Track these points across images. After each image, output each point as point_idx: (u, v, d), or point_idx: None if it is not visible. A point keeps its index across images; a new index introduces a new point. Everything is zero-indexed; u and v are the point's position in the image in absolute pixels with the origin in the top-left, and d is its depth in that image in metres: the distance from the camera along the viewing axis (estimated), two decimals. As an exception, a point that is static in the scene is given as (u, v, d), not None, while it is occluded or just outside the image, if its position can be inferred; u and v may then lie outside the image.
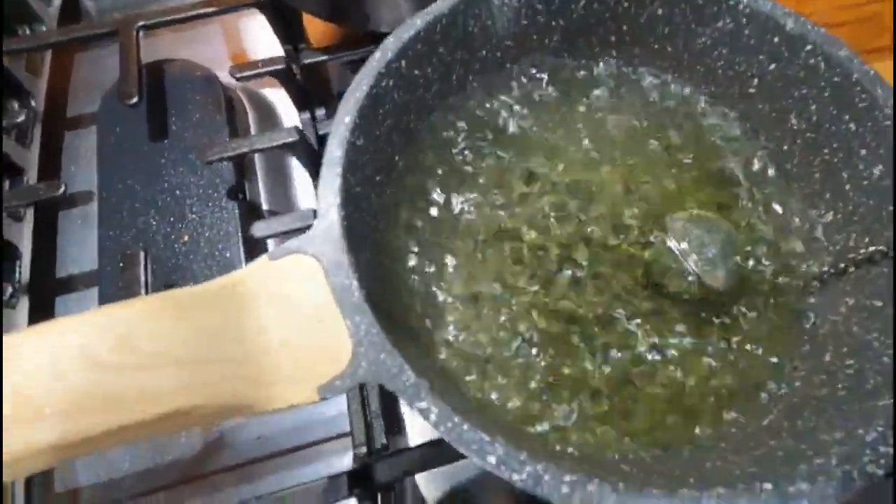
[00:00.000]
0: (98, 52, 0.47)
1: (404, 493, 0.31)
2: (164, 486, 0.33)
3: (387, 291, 0.21)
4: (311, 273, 0.17)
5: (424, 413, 0.15)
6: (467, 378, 0.21)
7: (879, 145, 0.20)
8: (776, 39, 0.22)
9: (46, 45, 0.37)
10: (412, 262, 0.23)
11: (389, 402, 0.33)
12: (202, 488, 0.32)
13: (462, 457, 0.26)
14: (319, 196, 0.18)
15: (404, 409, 0.34)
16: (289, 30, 0.40)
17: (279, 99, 0.43)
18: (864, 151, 0.21)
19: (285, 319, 0.16)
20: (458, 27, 0.23)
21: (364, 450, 0.28)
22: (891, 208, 0.20)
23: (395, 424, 0.32)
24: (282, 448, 0.33)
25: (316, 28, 0.43)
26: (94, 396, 0.12)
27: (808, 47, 0.22)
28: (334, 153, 0.19)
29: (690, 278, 0.24)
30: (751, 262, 0.24)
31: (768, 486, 0.14)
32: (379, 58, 0.21)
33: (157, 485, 0.33)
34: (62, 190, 0.31)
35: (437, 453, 0.26)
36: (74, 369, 0.12)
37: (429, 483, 0.32)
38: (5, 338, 0.12)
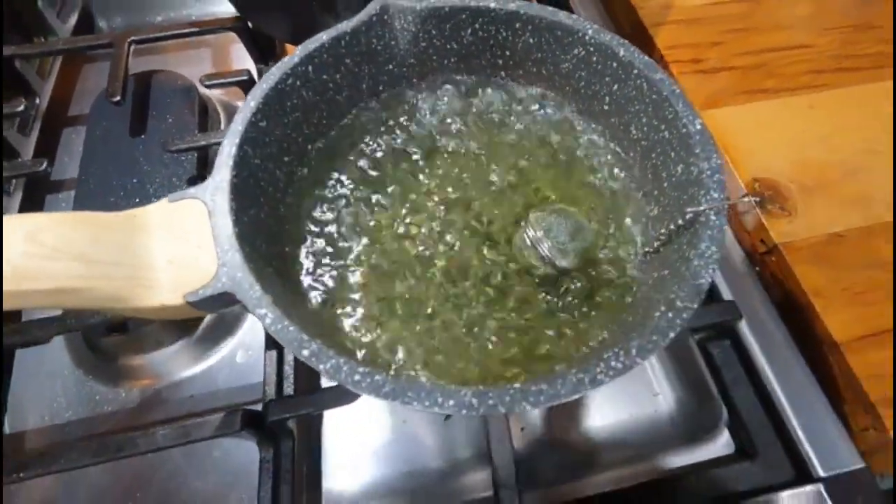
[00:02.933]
0: (103, 64, 0.54)
1: (310, 447, 0.34)
2: (101, 433, 0.36)
3: (275, 243, 0.26)
4: (199, 213, 0.22)
5: (262, 317, 0.20)
6: (342, 329, 0.25)
7: (680, 148, 0.25)
8: (615, 64, 0.28)
9: (50, 52, 0.44)
10: (310, 233, 0.28)
11: (309, 372, 0.37)
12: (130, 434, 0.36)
13: (339, 404, 0.30)
14: (217, 157, 0.23)
15: (324, 380, 0.38)
16: (261, 49, 0.47)
17: (251, 110, 0.50)
18: (672, 154, 0.26)
19: (173, 244, 0.21)
20: (361, 44, 0.29)
21: (272, 396, 0.32)
22: (685, 197, 0.24)
23: (310, 390, 0.36)
24: (211, 406, 0.37)
25: (292, 49, 0.50)
26: (6, 268, 0.17)
27: (636, 71, 0.27)
28: (236, 127, 0.24)
29: (544, 260, 0.28)
30: (598, 247, 0.28)
31: (517, 385, 0.18)
32: (286, 61, 0.27)
33: (94, 431, 0.36)
34: (44, 166, 0.37)
35: (323, 398, 0.30)
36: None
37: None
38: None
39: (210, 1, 0.58)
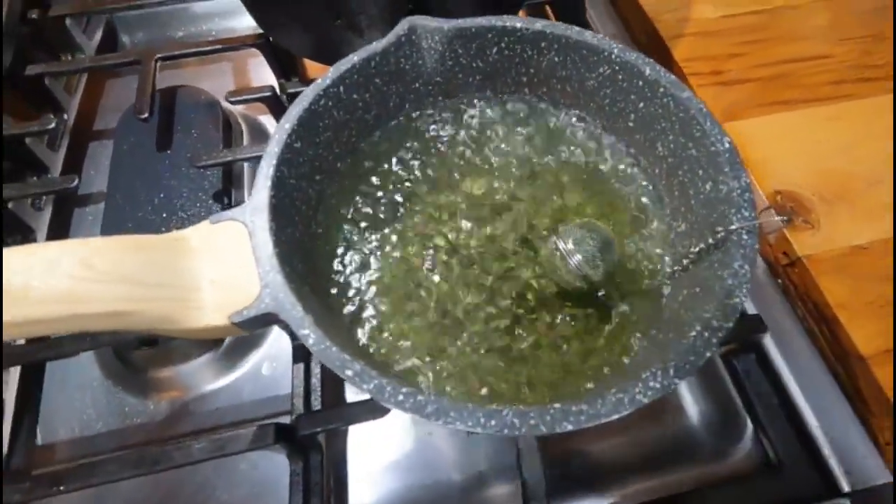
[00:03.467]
0: (126, 79, 0.55)
1: (337, 460, 0.35)
2: (131, 444, 0.37)
3: (309, 261, 0.26)
4: (239, 235, 0.22)
5: (305, 338, 0.20)
6: (372, 345, 0.26)
7: (708, 166, 0.25)
8: (640, 83, 0.28)
9: (82, 69, 0.45)
10: (341, 249, 0.29)
11: (333, 384, 0.38)
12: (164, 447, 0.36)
13: (371, 417, 0.31)
14: (255, 180, 0.24)
15: (348, 394, 0.38)
16: (283, 65, 0.48)
17: (272, 124, 0.50)
18: (700, 171, 0.26)
19: (215, 266, 0.22)
20: (390, 64, 0.30)
21: (301, 411, 0.32)
22: (714, 216, 0.25)
23: (336, 402, 0.37)
24: (238, 419, 0.38)
25: (314, 64, 0.50)
26: (56, 292, 0.18)
27: (661, 89, 0.27)
28: (272, 149, 0.25)
29: (574, 274, 0.28)
30: (625, 261, 0.28)
31: (557, 405, 0.19)
32: (319, 83, 0.27)
33: (125, 443, 0.37)
34: (75, 183, 0.37)
35: (353, 412, 0.30)
36: (44, 275, 0.18)
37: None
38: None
39: (229, 16, 0.60)
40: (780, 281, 0.37)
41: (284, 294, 0.21)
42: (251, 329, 0.22)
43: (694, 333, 0.20)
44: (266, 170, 0.24)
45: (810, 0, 0.47)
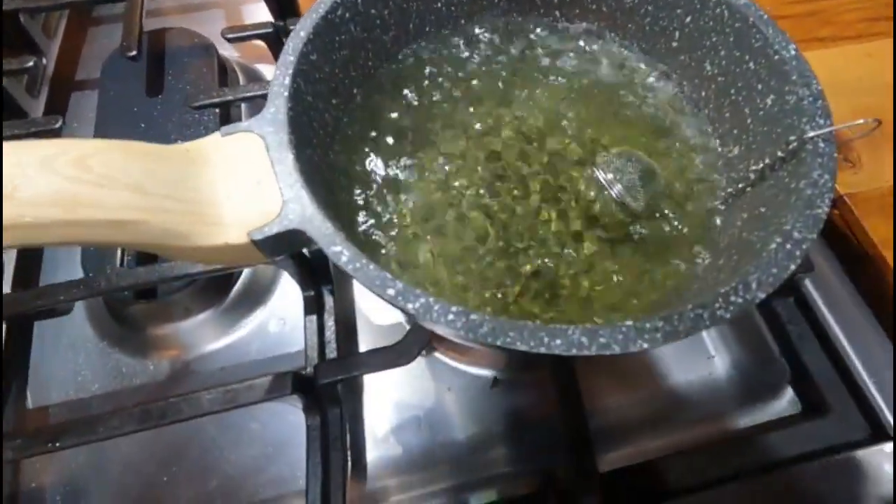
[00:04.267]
0: (109, 26, 0.51)
1: (354, 414, 0.32)
2: (130, 406, 0.34)
3: (328, 191, 0.24)
4: (256, 147, 0.20)
5: (337, 256, 0.18)
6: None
7: (770, 77, 0.23)
8: (689, -7, 0.25)
9: (58, 5, 0.41)
10: (360, 183, 0.26)
11: (346, 337, 0.35)
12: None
13: (395, 365, 0.29)
14: (270, 86, 0.21)
15: (362, 346, 0.36)
16: (280, 4, 0.44)
17: (269, 71, 0.47)
18: (760, 86, 0.24)
19: (230, 180, 0.19)
20: (412, -24, 0.27)
21: (315, 361, 0.30)
22: (779, 130, 0.22)
23: (350, 354, 0.34)
24: (243, 377, 0.35)
25: (310, 3, 0.47)
26: (50, 193, 0.15)
27: (714, -1, 0.25)
28: (288, 57, 0.22)
29: (615, 203, 0.26)
30: (670, 190, 0.26)
31: (629, 322, 0.16)
32: (336, -11, 0.24)
33: (123, 405, 0.34)
34: (59, 123, 0.34)
35: (373, 359, 0.28)
36: (35, 173, 0.15)
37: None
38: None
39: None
40: (817, 223, 0.35)
41: (311, 210, 0.18)
42: (270, 253, 0.19)
43: (774, 246, 0.18)
44: (282, 79, 0.21)
45: (843, -66, 0.45)
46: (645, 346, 0.16)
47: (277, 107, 0.21)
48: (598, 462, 0.31)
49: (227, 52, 0.47)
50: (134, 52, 0.37)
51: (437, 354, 0.35)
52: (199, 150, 0.19)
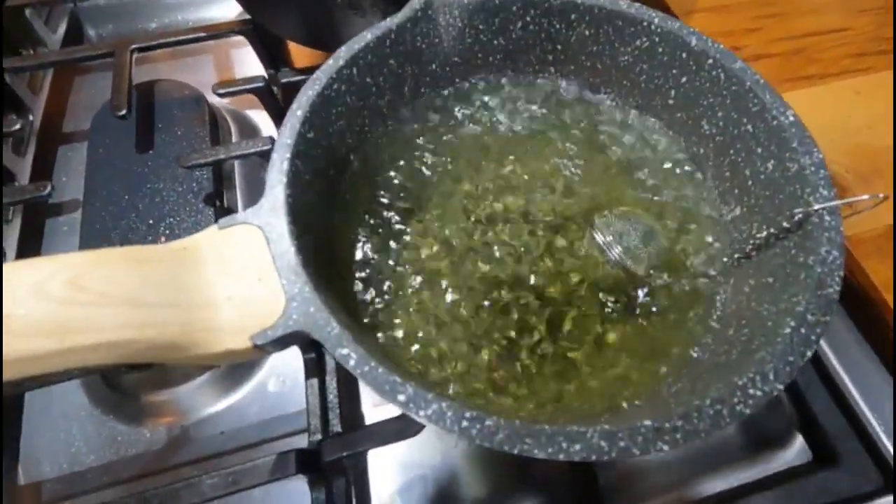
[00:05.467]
0: (96, 75, 0.51)
1: (360, 483, 0.32)
2: (127, 479, 0.33)
3: (332, 276, 0.23)
4: (255, 240, 0.19)
5: (345, 359, 0.17)
6: (405, 354, 0.23)
7: (770, 142, 0.23)
8: (684, 55, 0.25)
9: (47, 63, 0.41)
10: (359, 254, 0.25)
11: (349, 399, 0.35)
12: (164, 480, 0.33)
13: (403, 437, 0.28)
14: (268, 176, 0.21)
15: (365, 407, 0.35)
16: (272, 54, 0.44)
17: (261, 119, 0.47)
18: (759, 150, 0.24)
19: (230, 279, 0.18)
20: (406, 42, 0.26)
21: (318, 436, 0.29)
22: (781, 196, 0.22)
23: (354, 419, 0.34)
24: (244, 443, 0.34)
25: (301, 52, 0.47)
26: (43, 322, 0.14)
27: (710, 61, 0.25)
28: (285, 140, 0.21)
29: (616, 267, 0.26)
30: (672, 253, 0.26)
31: (647, 422, 0.16)
32: (332, 64, 0.24)
33: (119, 478, 0.33)
34: (48, 190, 0.33)
35: (381, 433, 0.27)
36: (28, 300, 0.14)
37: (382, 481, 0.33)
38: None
39: (202, 6, 0.55)
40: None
41: (315, 308, 0.18)
42: (276, 350, 0.19)
43: (788, 331, 0.18)
44: (279, 163, 0.21)
45: (824, -29, 0.46)
46: (665, 447, 0.16)
47: (276, 195, 0.20)
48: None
49: (219, 99, 0.46)
50: (124, 112, 0.36)
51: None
52: (196, 248, 0.19)
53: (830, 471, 0.30)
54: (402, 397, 0.16)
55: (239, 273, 0.19)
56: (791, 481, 0.30)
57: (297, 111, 0.22)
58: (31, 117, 0.42)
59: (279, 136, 0.22)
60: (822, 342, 0.32)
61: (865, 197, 0.20)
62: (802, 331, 0.18)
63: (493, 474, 0.33)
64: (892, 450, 0.29)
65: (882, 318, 0.32)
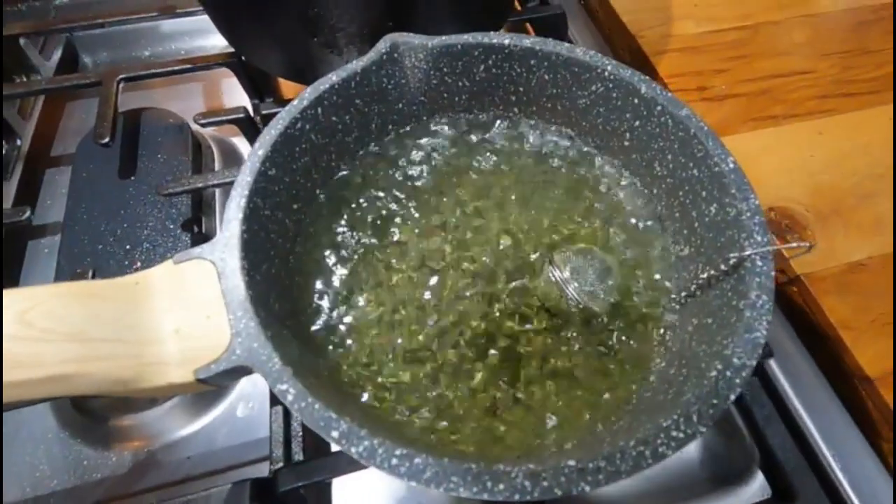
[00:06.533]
0: (88, 101, 0.52)
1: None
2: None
3: (287, 299, 0.24)
4: (207, 275, 0.20)
5: (283, 394, 0.18)
6: (364, 396, 0.23)
7: (712, 187, 0.24)
8: (636, 101, 0.27)
9: (36, 91, 0.42)
10: (321, 282, 0.26)
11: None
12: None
13: (360, 467, 0.28)
14: (225, 212, 0.21)
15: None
16: (257, 85, 0.45)
17: (246, 146, 0.48)
18: (704, 193, 0.24)
19: (179, 313, 0.19)
20: (372, 83, 0.28)
21: (280, 464, 0.29)
22: (722, 240, 0.23)
23: (319, 449, 0.34)
24: (211, 468, 0.35)
25: (289, 83, 0.48)
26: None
27: (658, 108, 0.26)
28: (244, 178, 0.22)
29: (572, 303, 0.26)
30: (626, 291, 0.27)
31: (571, 462, 0.17)
32: (296, 104, 0.25)
33: (84, 503, 0.33)
34: (27, 215, 0.34)
35: (338, 464, 0.27)
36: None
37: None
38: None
39: (199, 35, 0.57)
40: (779, 301, 0.36)
41: (259, 344, 0.18)
42: (220, 384, 0.19)
43: (714, 373, 0.18)
44: (237, 200, 0.22)
45: (791, 16, 0.47)
46: (587, 488, 0.16)
47: (231, 231, 0.21)
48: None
49: (204, 131, 0.47)
50: (107, 140, 0.38)
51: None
52: (149, 282, 0.19)
53: (788, 507, 0.30)
54: (335, 433, 0.17)
55: (188, 307, 0.19)
56: (750, 517, 0.30)
57: (259, 150, 0.23)
58: (18, 142, 0.44)
59: (240, 174, 0.23)
60: (781, 377, 0.33)
61: (794, 245, 0.21)
62: (728, 374, 0.18)
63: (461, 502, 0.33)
64: (848, 487, 0.30)
65: (838, 354, 0.32)
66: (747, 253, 0.21)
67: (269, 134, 0.24)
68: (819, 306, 0.33)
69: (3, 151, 0.37)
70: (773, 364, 0.33)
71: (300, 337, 0.24)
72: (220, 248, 0.21)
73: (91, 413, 0.35)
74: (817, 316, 0.33)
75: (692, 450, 0.34)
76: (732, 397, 0.18)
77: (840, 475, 0.30)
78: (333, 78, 0.26)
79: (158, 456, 0.35)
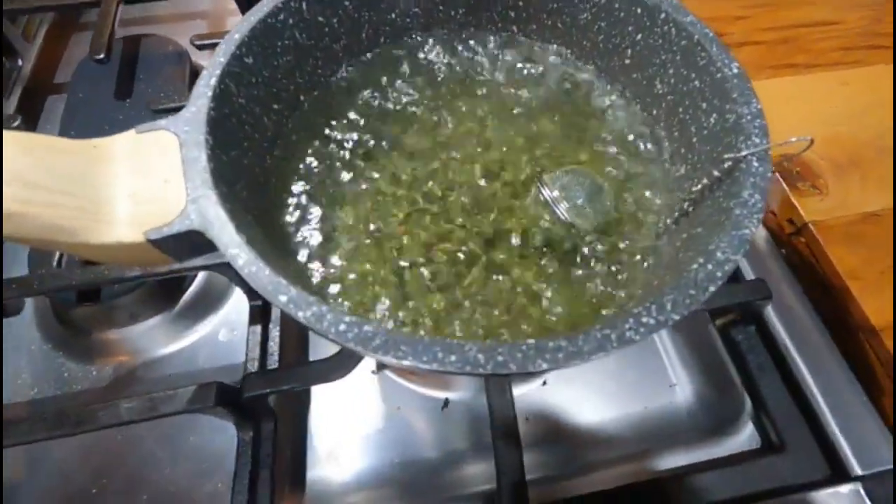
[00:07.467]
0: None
1: (296, 430, 0.31)
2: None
3: (259, 194, 0.23)
4: (170, 146, 0.19)
5: (234, 258, 0.17)
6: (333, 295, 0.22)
7: (713, 95, 0.22)
8: (639, 10, 0.25)
9: (33, 8, 0.41)
10: (299, 188, 0.25)
11: (295, 350, 0.34)
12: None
13: (325, 380, 0.28)
14: (194, 87, 0.21)
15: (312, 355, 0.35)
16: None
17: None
18: (704, 104, 0.23)
19: (137, 178, 0.18)
20: (362, -15, 0.26)
21: (254, 370, 0.29)
22: (720, 148, 0.22)
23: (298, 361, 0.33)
24: (191, 383, 0.34)
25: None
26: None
27: (662, 16, 0.24)
28: (217, 59, 0.21)
29: (560, 221, 0.25)
30: (619, 210, 0.25)
31: (530, 340, 0.15)
32: (279, -7, 0.24)
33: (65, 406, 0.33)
34: (17, 123, 0.34)
35: (305, 373, 0.27)
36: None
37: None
38: None
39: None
40: (783, 251, 0.34)
41: (215, 211, 0.18)
42: (174, 254, 0.18)
43: (696, 266, 0.17)
44: (207, 79, 0.21)
45: (821, -35, 0.45)
46: (544, 366, 0.15)
47: (199, 107, 0.20)
48: (552, 491, 0.30)
49: (203, 59, 0.47)
50: (102, 56, 0.37)
51: (387, 373, 0.34)
52: (108, 147, 0.19)
53: (776, 457, 0.29)
54: (283, 298, 0.16)
55: (147, 173, 0.18)
56: (735, 465, 0.29)
57: (235, 34, 0.22)
58: (19, 62, 0.43)
59: (214, 55, 0.22)
60: (780, 326, 0.31)
61: (793, 140, 0.19)
62: (709, 267, 0.17)
63: (433, 438, 0.32)
64: (843, 439, 0.28)
65: (843, 305, 0.31)
66: (744, 153, 0.19)
67: (248, 20, 0.23)
68: (826, 255, 0.31)
69: (3, 65, 0.36)
70: (771, 313, 0.32)
71: (269, 232, 0.23)
72: (186, 121, 0.20)
73: (73, 325, 0.35)
74: (823, 265, 0.31)
75: (681, 397, 0.33)
76: (712, 289, 0.16)
77: (836, 428, 0.29)
78: (321, -28, 0.25)
79: (139, 372, 0.35)
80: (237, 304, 0.37)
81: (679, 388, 0.34)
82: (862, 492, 0.27)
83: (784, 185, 0.33)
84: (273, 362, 0.31)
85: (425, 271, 0.23)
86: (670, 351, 0.35)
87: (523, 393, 0.33)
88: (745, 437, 0.31)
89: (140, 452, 0.32)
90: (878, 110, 0.37)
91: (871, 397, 0.29)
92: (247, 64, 0.23)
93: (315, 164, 0.26)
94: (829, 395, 0.29)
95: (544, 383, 0.34)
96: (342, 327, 0.15)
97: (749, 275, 0.33)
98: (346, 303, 0.22)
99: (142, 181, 0.18)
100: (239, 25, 0.23)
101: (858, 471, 0.27)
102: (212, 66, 0.21)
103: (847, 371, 0.30)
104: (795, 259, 0.33)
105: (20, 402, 0.33)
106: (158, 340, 0.35)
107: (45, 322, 0.36)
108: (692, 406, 0.33)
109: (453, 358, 0.15)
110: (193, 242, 0.18)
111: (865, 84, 0.38)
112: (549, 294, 0.23)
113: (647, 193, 0.25)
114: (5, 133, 0.17)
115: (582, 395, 0.33)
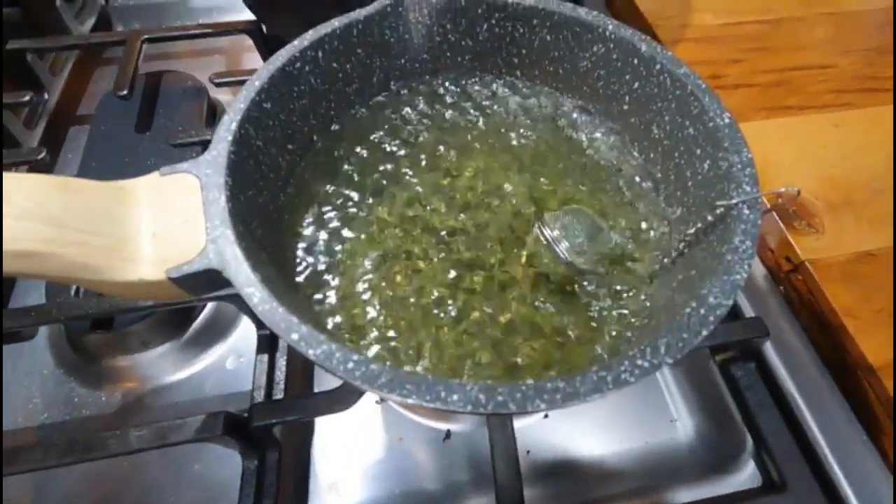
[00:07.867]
0: (117, 68, 0.54)
1: (299, 460, 0.32)
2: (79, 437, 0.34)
3: (273, 232, 0.24)
4: (191, 188, 0.20)
5: (249, 297, 0.18)
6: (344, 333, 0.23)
7: (707, 143, 0.23)
8: (636, 61, 0.26)
9: (61, 47, 0.44)
10: (310, 226, 0.26)
11: (301, 380, 0.35)
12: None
13: (333, 410, 0.28)
14: (216, 131, 0.22)
15: (317, 385, 0.35)
16: (273, 53, 0.46)
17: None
18: (698, 151, 0.24)
19: (159, 218, 0.20)
20: (374, 34, 0.28)
21: (261, 399, 0.29)
22: (713, 194, 0.23)
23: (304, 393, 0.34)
24: (198, 411, 0.35)
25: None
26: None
27: (658, 66, 0.25)
28: (238, 105, 0.23)
29: (561, 260, 0.26)
30: (616, 250, 0.26)
31: (529, 381, 0.16)
32: (296, 44, 0.26)
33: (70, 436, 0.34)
34: (43, 154, 0.36)
35: (311, 404, 0.27)
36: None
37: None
38: None
39: (228, 10, 0.59)
40: (781, 288, 0.35)
41: (232, 250, 0.19)
42: (193, 291, 0.19)
43: (688, 310, 0.18)
44: (228, 124, 0.22)
45: (815, 13, 0.47)
46: (542, 406, 0.16)
47: (219, 150, 0.21)
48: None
49: (220, 95, 0.49)
50: (125, 92, 0.39)
51: (391, 404, 0.35)
52: (133, 188, 0.20)
53: (777, 497, 0.29)
54: (295, 336, 0.17)
55: (169, 214, 0.20)
56: (740, 503, 0.29)
57: (255, 81, 0.24)
58: (45, 95, 0.46)
59: (235, 100, 0.23)
60: (779, 363, 0.32)
61: (782, 190, 0.20)
62: (702, 311, 0.18)
63: (435, 470, 0.33)
64: (842, 478, 0.28)
65: (841, 343, 0.31)
66: (734, 201, 0.20)
67: (267, 68, 0.25)
68: (822, 293, 0.32)
69: (26, 99, 0.38)
70: (770, 349, 0.32)
71: (281, 269, 0.24)
72: (206, 164, 0.21)
73: (85, 351, 0.36)
74: (820, 302, 0.32)
75: (682, 433, 0.33)
76: (704, 333, 0.17)
77: (836, 467, 0.29)
78: (335, 23, 0.27)
79: (147, 399, 0.35)
80: (245, 332, 0.37)
81: (680, 423, 0.34)
82: (863, 533, 0.27)
83: (781, 224, 0.34)
84: (279, 391, 0.31)
85: (426, 304, 0.24)
86: (671, 386, 0.35)
87: (524, 426, 0.33)
88: (746, 475, 0.31)
89: (146, 479, 0.32)
90: (870, 153, 0.38)
91: (871, 436, 0.29)
92: (265, 109, 0.24)
93: (325, 201, 0.27)
94: (828, 434, 0.29)
95: (546, 416, 0.34)
96: (350, 365, 0.16)
97: (748, 311, 0.34)
98: (346, 335, 0.23)
99: (164, 221, 0.19)
100: (259, 72, 0.24)
101: (859, 511, 0.27)
102: (233, 112, 0.23)
103: (847, 410, 0.30)
104: (793, 296, 0.34)
105: (31, 426, 0.34)
106: (167, 367, 0.36)
107: (59, 347, 0.37)
108: (693, 442, 0.33)
109: (455, 397, 0.16)
110: (211, 279, 0.19)
111: (857, 126, 0.39)
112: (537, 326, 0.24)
113: (645, 234, 0.26)
114: (43, 177, 0.18)
115: (583, 429, 0.34)
